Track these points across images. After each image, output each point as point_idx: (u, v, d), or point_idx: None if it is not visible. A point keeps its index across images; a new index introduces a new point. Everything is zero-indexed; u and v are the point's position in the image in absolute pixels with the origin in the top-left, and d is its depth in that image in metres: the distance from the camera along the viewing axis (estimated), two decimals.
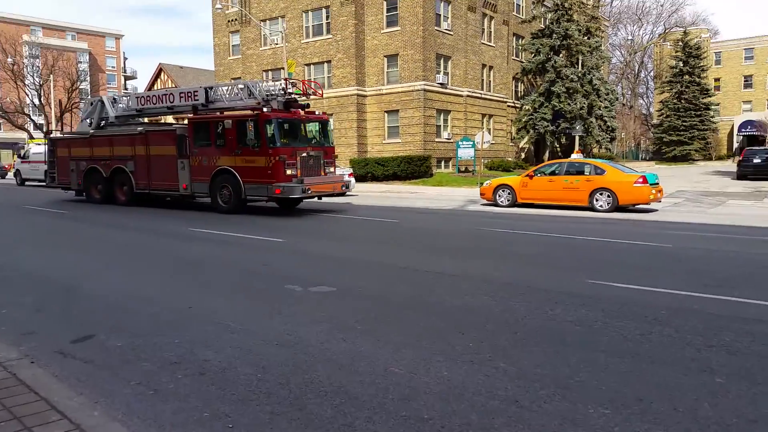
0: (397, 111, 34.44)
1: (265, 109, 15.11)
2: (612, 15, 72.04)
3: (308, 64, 37.34)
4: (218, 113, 17.02)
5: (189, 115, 17.54)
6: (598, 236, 11.81)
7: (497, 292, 6.82)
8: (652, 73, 78.55)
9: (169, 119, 29.12)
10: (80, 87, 62.36)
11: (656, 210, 17.84)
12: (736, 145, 63.63)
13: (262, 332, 5.25)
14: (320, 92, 16.91)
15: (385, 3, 34.94)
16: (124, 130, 19.07)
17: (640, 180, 16.92)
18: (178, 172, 16.78)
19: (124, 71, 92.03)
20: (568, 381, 4.14)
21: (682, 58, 60.58)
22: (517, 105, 43.46)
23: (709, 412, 3.64)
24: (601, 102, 42.37)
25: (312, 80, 17.97)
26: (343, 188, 16.79)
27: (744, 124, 64.32)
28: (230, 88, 16.89)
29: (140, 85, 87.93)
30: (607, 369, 4.37)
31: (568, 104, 39.58)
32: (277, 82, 16.74)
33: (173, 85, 56.67)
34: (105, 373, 4.37)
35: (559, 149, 41.77)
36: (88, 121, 20.35)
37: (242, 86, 16.52)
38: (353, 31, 35.13)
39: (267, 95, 15.79)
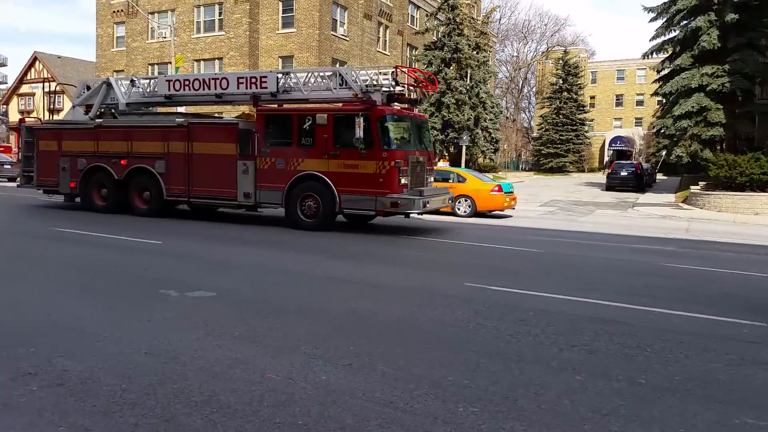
0: None
1: (378, 102, 12.58)
2: (500, 32, 75.78)
3: (198, 60, 36.17)
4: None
5: (261, 106, 14.23)
6: (474, 241, 12.31)
7: (381, 295, 6.91)
8: (534, 89, 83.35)
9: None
10: None
11: (510, 216, 18.97)
12: (606, 158, 68.99)
13: (130, 340, 4.96)
14: (434, 85, 13.85)
15: (280, 3, 34.58)
16: (147, 120, 15.66)
17: (496, 188, 18.20)
18: (238, 176, 13.65)
19: None
20: (441, 381, 4.26)
21: (561, 75, 64.86)
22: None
23: (568, 408, 3.88)
24: (486, 114, 44.39)
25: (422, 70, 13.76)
26: (449, 202, 14.38)
27: (614, 140, 69.94)
28: (308, 75, 14.02)
29: (11, 73, 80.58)
30: (478, 368, 4.55)
31: (457, 115, 41.08)
32: (372, 71, 13.69)
33: (49, 76, 52.68)
34: None
35: (448, 157, 43.24)
36: (82, 108, 16.68)
37: (330, 73, 13.75)
38: (247, 30, 34.44)
39: (366, 86, 12.96)
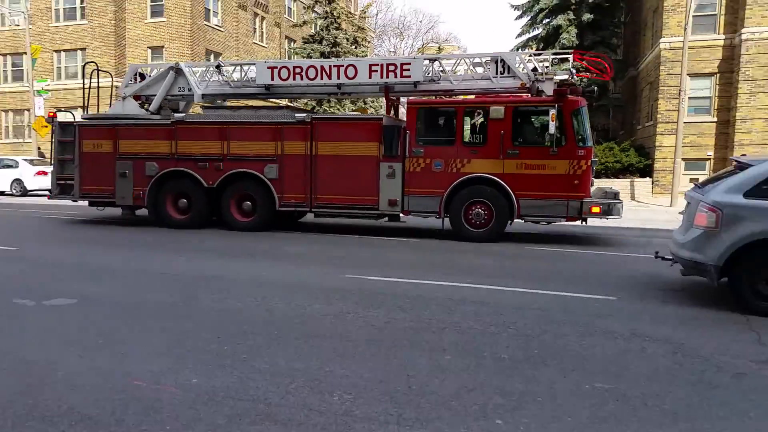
0: None
1: (571, 95, 11.03)
2: (377, 27, 76.72)
3: (58, 51, 33.50)
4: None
5: (412, 98, 12.45)
6: (353, 233, 12.45)
7: (259, 292, 6.80)
8: None
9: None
10: None
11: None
12: None
13: None
14: (608, 73, 12.36)
15: None
16: (249, 116, 12.94)
17: None
18: (381, 180, 11.69)
19: None
20: (317, 373, 4.30)
21: None
22: (292, 106, 44.01)
23: (437, 387, 4.06)
24: (367, 108, 44.90)
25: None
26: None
27: None
28: (458, 62, 12.40)
29: None
30: (354, 357, 4.64)
31: (338, 109, 41.22)
32: (536, 56, 12.20)
33: None
34: None
35: None
36: (134, 100, 13.74)
37: (488, 59, 11.98)
38: (112, 19, 32.39)
39: (535, 74, 11.48)
